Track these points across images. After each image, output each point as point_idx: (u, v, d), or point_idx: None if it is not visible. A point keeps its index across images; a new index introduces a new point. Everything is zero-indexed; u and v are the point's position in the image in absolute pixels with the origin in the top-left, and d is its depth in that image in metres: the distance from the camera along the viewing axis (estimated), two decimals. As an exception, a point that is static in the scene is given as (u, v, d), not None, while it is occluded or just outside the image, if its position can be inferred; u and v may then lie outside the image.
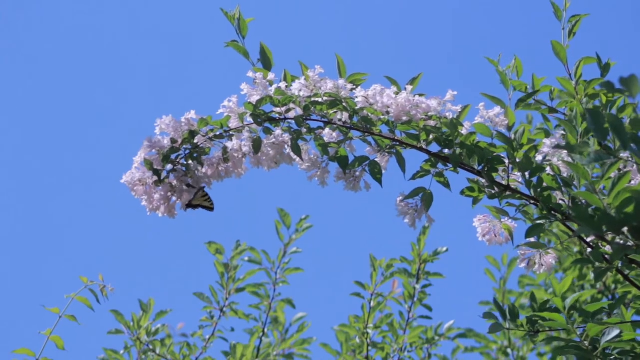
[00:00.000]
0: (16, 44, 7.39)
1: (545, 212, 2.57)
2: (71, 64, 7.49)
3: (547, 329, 2.63)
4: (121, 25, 7.54)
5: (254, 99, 2.68)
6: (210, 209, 2.81)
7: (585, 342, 2.53)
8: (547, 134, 2.74)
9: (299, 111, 2.69)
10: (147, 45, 7.59)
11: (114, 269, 6.74)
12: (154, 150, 2.72)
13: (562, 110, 2.80)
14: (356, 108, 2.66)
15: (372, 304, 4.30)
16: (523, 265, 2.73)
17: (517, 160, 2.61)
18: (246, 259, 4.63)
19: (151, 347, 4.43)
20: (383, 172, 2.72)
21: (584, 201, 2.48)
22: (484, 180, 2.66)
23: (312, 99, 2.66)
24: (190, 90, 7.28)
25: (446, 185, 2.71)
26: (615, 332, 2.51)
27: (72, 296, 3.08)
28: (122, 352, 4.43)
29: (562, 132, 2.72)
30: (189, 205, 2.78)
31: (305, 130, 2.69)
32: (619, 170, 2.53)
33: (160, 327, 4.45)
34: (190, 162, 2.74)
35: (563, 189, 2.56)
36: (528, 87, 2.78)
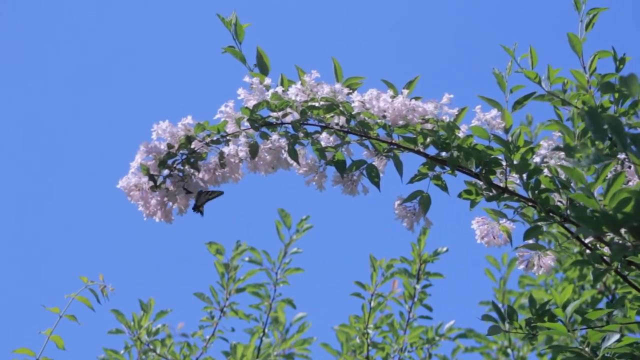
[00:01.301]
0: (14, 50, 7.39)
1: (543, 214, 2.57)
2: (71, 69, 7.49)
3: (546, 329, 2.63)
4: (118, 31, 7.55)
5: (251, 103, 2.67)
6: (220, 193, 2.80)
7: (586, 349, 2.52)
8: (560, 126, 2.73)
9: (296, 116, 2.69)
10: (144, 51, 7.59)
11: (114, 269, 6.75)
12: (150, 156, 2.72)
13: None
14: (353, 112, 2.66)
15: (372, 304, 4.30)
16: (522, 267, 2.73)
17: (515, 162, 2.60)
18: (246, 259, 4.64)
19: (151, 347, 4.43)
20: (381, 175, 2.72)
21: (581, 203, 2.47)
22: (481, 183, 2.66)
23: (309, 104, 2.66)
24: (187, 95, 7.29)
25: (444, 188, 2.71)
26: (616, 337, 2.51)
27: (72, 296, 3.07)
28: (122, 352, 4.43)
29: (560, 134, 2.71)
30: (196, 208, 2.78)
31: (302, 134, 2.69)
32: (614, 170, 2.52)
33: (160, 327, 4.45)
34: (186, 167, 2.74)
35: (561, 190, 2.56)
36: (542, 77, 2.77)
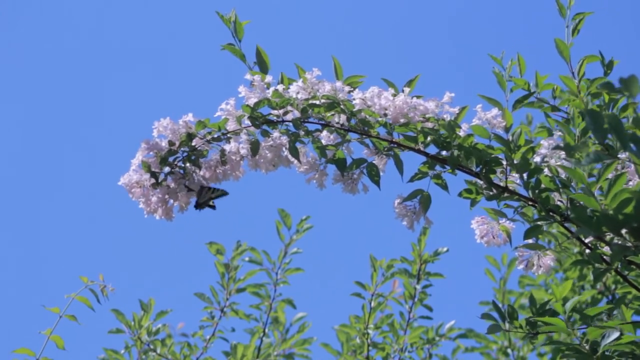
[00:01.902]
0: (16, 46, 7.39)
1: (543, 214, 2.57)
2: (71, 66, 7.50)
3: (545, 324, 2.63)
4: (119, 29, 7.55)
5: (252, 101, 2.67)
6: (224, 193, 2.81)
7: (586, 346, 2.52)
8: (550, 133, 2.74)
9: (297, 114, 2.69)
10: (144, 49, 7.59)
11: (114, 269, 6.75)
12: (151, 153, 2.72)
13: (564, 108, 2.80)
14: (354, 110, 2.66)
15: (372, 304, 4.30)
16: (521, 266, 2.73)
17: (515, 161, 2.61)
18: (247, 259, 4.64)
19: (152, 346, 4.43)
20: (381, 174, 2.71)
21: (582, 202, 2.47)
22: (482, 182, 2.66)
23: (310, 102, 2.66)
24: (188, 93, 7.29)
25: (444, 187, 2.71)
26: (615, 334, 2.50)
27: (72, 296, 3.07)
28: (122, 351, 4.43)
29: (560, 133, 2.72)
30: (198, 205, 2.78)
31: (303, 132, 2.69)
32: (616, 171, 2.53)
33: (160, 327, 4.45)
34: (187, 164, 2.74)
35: (561, 190, 2.56)
36: (531, 84, 2.78)
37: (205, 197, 2.77)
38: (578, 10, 2.80)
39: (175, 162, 2.74)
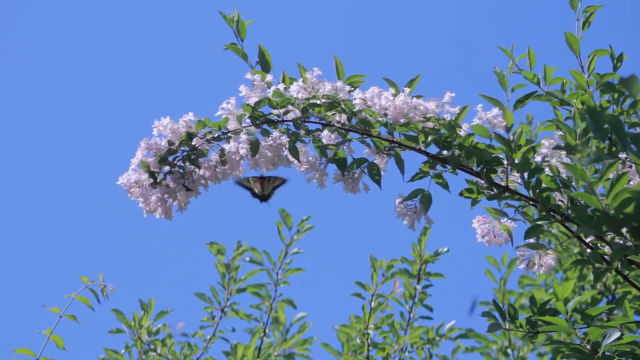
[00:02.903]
0: (16, 45, 7.40)
1: (544, 213, 2.57)
2: (71, 64, 7.49)
3: (546, 324, 2.63)
4: (120, 27, 7.55)
5: (252, 100, 2.67)
6: (284, 181, 2.81)
7: (587, 346, 2.52)
8: (558, 126, 2.73)
9: (297, 113, 2.68)
10: (145, 48, 7.59)
11: (114, 269, 6.74)
12: (151, 152, 2.71)
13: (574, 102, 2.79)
14: (354, 110, 2.66)
15: (372, 304, 4.30)
16: (522, 266, 2.73)
17: (516, 161, 2.61)
18: (247, 259, 4.64)
19: (152, 346, 4.43)
20: (382, 173, 2.71)
21: (582, 202, 2.47)
22: (482, 182, 2.66)
23: (311, 101, 2.65)
24: (189, 92, 7.28)
25: (445, 186, 2.71)
26: (616, 334, 2.50)
27: (72, 296, 3.07)
28: (122, 351, 4.43)
29: (561, 133, 2.71)
30: (263, 198, 2.79)
31: (303, 132, 2.69)
32: (617, 170, 2.53)
33: (161, 327, 4.45)
34: (187, 164, 2.74)
35: (562, 189, 2.56)
36: (540, 77, 2.77)
37: (269, 188, 2.77)
38: (589, 4, 2.79)
39: (175, 162, 2.74)
